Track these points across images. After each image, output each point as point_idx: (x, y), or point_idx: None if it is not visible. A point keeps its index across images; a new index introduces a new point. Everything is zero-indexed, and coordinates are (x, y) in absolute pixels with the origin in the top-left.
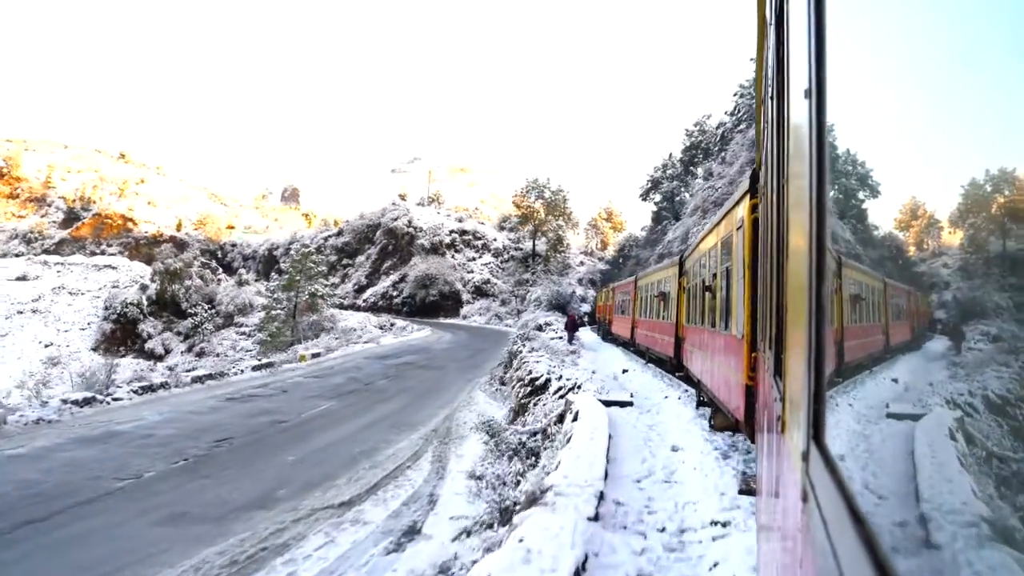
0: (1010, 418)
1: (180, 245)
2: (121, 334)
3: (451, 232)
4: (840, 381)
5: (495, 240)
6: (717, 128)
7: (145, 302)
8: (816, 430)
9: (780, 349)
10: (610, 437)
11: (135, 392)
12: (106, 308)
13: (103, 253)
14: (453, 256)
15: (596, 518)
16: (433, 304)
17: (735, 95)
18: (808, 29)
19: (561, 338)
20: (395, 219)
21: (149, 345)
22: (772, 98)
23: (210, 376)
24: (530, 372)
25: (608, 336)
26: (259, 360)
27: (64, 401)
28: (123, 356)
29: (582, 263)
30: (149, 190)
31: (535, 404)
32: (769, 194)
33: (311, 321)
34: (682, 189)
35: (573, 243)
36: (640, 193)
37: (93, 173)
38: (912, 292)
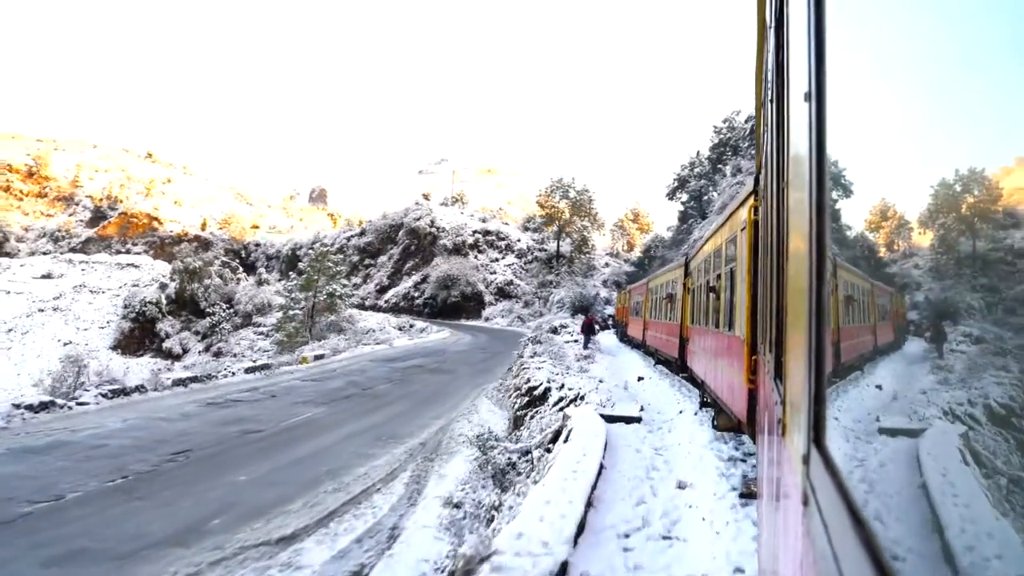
0: (1011, 422)
1: (204, 244)
2: (140, 333)
3: (474, 232)
4: (839, 382)
5: (519, 241)
6: (746, 122)
7: (164, 301)
8: (817, 433)
9: (780, 352)
10: (602, 468)
11: (104, 396)
12: (125, 307)
13: (128, 252)
14: (476, 257)
15: None
16: (455, 305)
17: None
18: (808, 32)
19: (576, 341)
20: (417, 219)
21: (167, 344)
22: (772, 101)
23: (195, 379)
24: (528, 380)
25: (624, 338)
26: (253, 362)
27: (16, 406)
28: (141, 355)
29: (607, 264)
30: (175, 189)
31: (531, 417)
32: (769, 197)
33: (329, 321)
34: (710, 187)
35: (599, 244)
36: (667, 192)
37: (120, 172)
38: (894, 294)
